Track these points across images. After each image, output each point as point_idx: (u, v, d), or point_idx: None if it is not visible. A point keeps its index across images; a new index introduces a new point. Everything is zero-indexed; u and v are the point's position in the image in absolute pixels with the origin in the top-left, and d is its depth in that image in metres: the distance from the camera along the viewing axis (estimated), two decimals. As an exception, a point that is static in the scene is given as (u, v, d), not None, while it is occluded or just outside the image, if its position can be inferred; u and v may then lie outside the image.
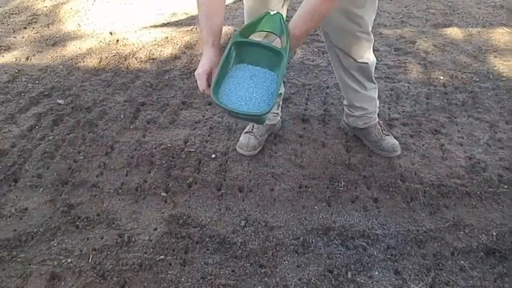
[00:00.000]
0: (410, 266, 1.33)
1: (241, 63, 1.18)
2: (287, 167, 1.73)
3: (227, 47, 1.13)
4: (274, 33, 1.20)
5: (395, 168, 1.70)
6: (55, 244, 1.42)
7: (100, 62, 2.51)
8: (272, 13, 1.18)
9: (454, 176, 1.67)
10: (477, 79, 2.30)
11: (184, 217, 1.51)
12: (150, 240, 1.42)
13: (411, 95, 2.18)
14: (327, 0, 1.12)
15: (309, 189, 1.62)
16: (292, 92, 2.21)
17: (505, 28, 2.83)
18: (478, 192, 1.59)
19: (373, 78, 1.70)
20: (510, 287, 1.27)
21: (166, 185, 1.64)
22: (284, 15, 1.51)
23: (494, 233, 1.43)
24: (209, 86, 1.16)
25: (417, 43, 2.67)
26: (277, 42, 1.20)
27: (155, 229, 1.47)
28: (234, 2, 3.31)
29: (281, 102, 1.86)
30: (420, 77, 2.34)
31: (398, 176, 1.67)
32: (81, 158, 1.79)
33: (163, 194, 1.61)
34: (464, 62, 2.46)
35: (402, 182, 1.64)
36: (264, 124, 1.80)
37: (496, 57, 2.51)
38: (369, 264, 1.34)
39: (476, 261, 1.35)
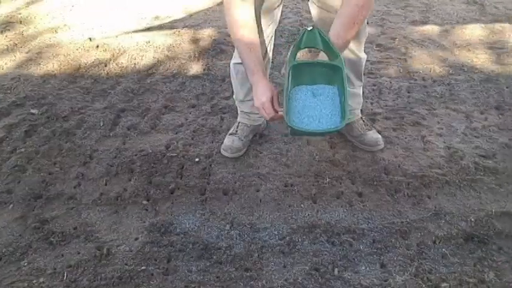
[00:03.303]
0: (395, 258, 1.33)
1: (299, 86, 1.20)
2: (272, 166, 1.72)
3: (286, 72, 1.15)
4: (317, 48, 1.21)
5: (379, 162, 1.71)
6: (25, 264, 1.34)
7: (78, 69, 2.47)
8: (309, 29, 1.20)
9: (435, 166, 1.69)
10: (453, 72, 2.35)
11: (167, 225, 1.47)
12: (131, 251, 1.38)
13: (393, 89, 2.20)
14: (363, 7, 1.14)
15: (295, 188, 1.61)
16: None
17: (477, 23, 2.89)
18: (457, 181, 1.61)
19: (362, 75, 1.70)
20: (489, 270, 1.29)
21: (148, 192, 1.61)
22: (279, 16, 1.53)
23: (473, 219, 1.46)
24: (276, 112, 1.21)
25: (397, 39, 2.71)
26: (321, 56, 1.23)
27: (136, 239, 1.43)
28: (218, 4, 3.30)
29: None
30: (401, 71, 2.37)
31: (382, 170, 1.67)
32: (57, 169, 1.73)
33: (145, 202, 1.57)
34: (441, 56, 2.51)
35: (386, 175, 1.65)
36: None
37: (469, 50, 2.57)
38: (355, 260, 1.33)
39: (457, 248, 1.36)
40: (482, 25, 2.85)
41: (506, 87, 2.21)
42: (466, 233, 1.41)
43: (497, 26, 2.84)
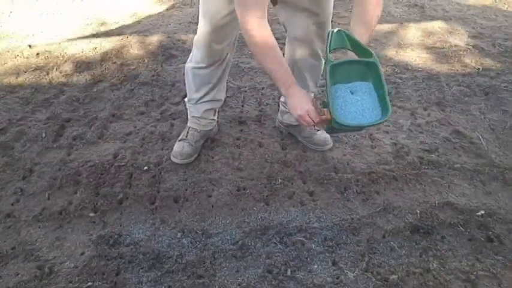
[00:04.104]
0: (346, 255, 1.35)
1: (335, 85, 1.23)
2: (225, 170, 1.70)
3: (327, 73, 1.18)
4: (345, 48, 1.25)
5: (329, 160, 1.74)
6: (-40, 288, 1.25)
7: (17, 78, 2.32)
8: (335, 30, 1.23)
9: (383, 162, 1.74)
10: (398, 71, 2.45)
11: (115, 236, 1.42)
12: (76, 267, 1.31)
13: (340, 90, 2.25)
14: (377, 6, 1.24)
15: (247, 191, 1.60)
16: (228, 95, 2.18)
17: (418, 24, 3.05)
18: (403, 175, 1.67)
19: (318, 81, 1.73)
20: (433, 259, 1.35)
21: (95, 204, 1.54)
22: None
23: (418, 211, 1.52)
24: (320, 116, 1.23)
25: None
26: (351, 55, 1.27)
27: (82, 254, 1.36)
28: (167, 10, 3.25)
29: (218, 108, 1.84)
30: (348, 72, 2.43)
31: (332, 168, 1.71)
32: (-7, 185, 1.62)
33: (91, 214, 1.50)
34: (386, 56, 2.61)
35: (336, 174, 1.68)
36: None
37: (412, 50, 2.70)
38: (308, 259, 1.34)
39: (404, 240, 1.41)
40: (423, 26, 3.01)
41: (446, 84, 2.34)
42: (412, 226, 1.47)
43: (437, 27, 3.01)
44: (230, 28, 1.49)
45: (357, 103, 1.21)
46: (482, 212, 1.52)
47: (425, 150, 1.84)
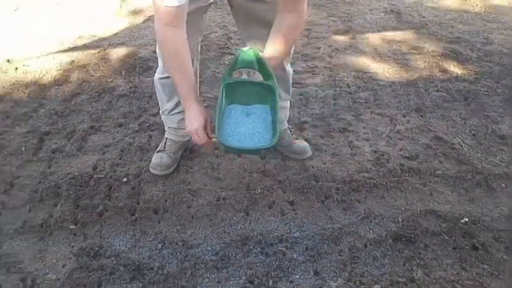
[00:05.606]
0: (328, 264, 1.35)
1: (233, 104, 1.20)
2: (204, 181, 1.70)
3: (220, 90, 1.16)
4: (252, 69, 1.21)
5: (308, 169, 1.75)
6: None
7: (-5, 92, 2.29)
8: (245, 49, 1.20)
9: (363, 170, 1.76)
10: (376, 78, 2.48)
11: (96, 248, 1.40)
12: (58, 279, 1.30)
13: (319, 98, 2.27)
14: (295, 28, 1.20)
15: (227, 201, 1.60)
16: (205, 105, 2.18)
17: (395, 31, 3.10)
18: (384, 183, 1.68)
19: (290, 89, 1.73)
20: (417, 268, 1.35)
21: (75, 216, 1.52)
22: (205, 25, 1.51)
23: (400, 219, 1.52)
24: (209, 137, 1.22)
25: (322, 48, 2.81)
26: (257, 75, 1.24)
27: (64, 266, 1.35)
28: (143, 22, 3.24)
29: None
30: (327, 79, 2.46)
31: (312, 177, 1.71)
32: (-28, 200, 1.59)
33: (72, 226, 1.49)
34: (364, 63, 2.64)
35: (316, 182, 1.69)
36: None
37: (389, 56, 2.73)
38: (290, 269, 1.34)
39: (387, 249, 1.41)
40: (400, 32, 3.06)
41: (425, 90, 2.38)
42: (394, 234, 1.46)
43: (414, 32, 3.07)
44: (188, 33, 1.47)
45: (248, 125, 1.19)
46: (466, 219, 1.51)
47: (406, 157, 1.85)
